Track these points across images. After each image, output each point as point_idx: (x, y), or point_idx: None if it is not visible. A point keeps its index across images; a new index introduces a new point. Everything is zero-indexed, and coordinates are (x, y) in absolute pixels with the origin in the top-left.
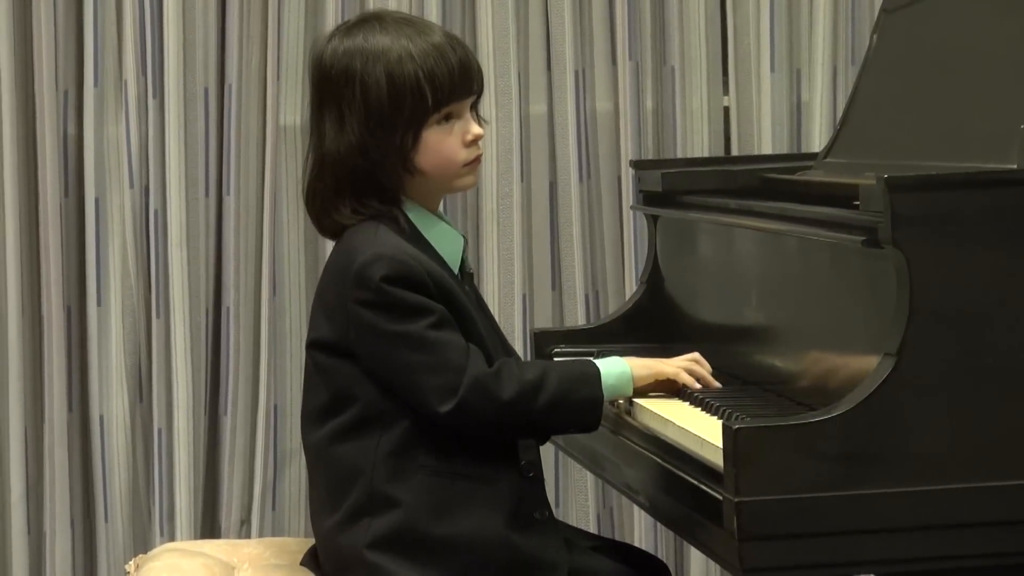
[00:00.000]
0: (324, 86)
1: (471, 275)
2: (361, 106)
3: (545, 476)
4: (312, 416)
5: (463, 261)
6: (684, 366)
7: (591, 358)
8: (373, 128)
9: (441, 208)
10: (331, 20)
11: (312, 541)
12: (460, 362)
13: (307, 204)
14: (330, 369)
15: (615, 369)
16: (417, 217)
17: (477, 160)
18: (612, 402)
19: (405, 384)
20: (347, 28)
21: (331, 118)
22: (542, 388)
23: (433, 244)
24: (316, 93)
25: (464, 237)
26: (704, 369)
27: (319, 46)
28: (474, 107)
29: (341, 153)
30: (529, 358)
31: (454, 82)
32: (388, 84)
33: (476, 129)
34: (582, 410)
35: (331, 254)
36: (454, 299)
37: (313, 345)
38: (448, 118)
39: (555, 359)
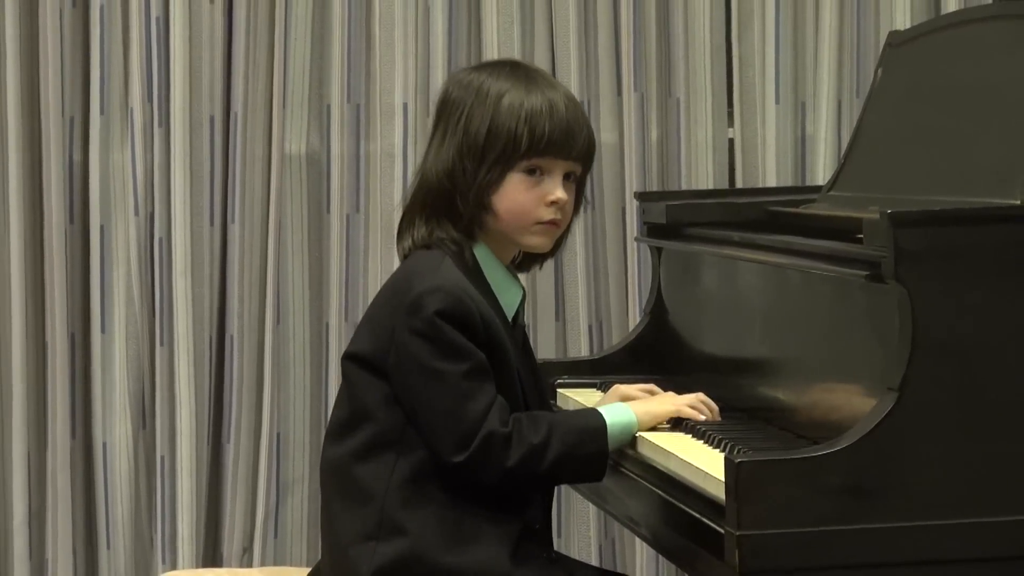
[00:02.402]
0: (440, 109)
1: (523, 327)
2: (462, 132)
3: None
4: (335, 429)
5: (518, 313)
6: (687, 403)
7: (596, 399)
8: (465, 155)
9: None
10: (336, 50)
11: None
12: (480, 417)
13: (401, 219)
14: (358, 384)
15: (621, 420)
16: (484, 258)
17: (552, 224)
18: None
19: (425, 421)
20: (483, 64)
21: (437, 140)
22: (546, 451)
23: (492, 287)
24: (434, 116)
25: (524, 291)
26: (706, 407)
27: (453, 73)
28: (574, 179)
29: (434, 173)
30: None
31: (553, 137)
32: (492, 117)
33: (559, 192)
34: (587, 465)
35: (394, 273)
36: (499, 344)
37: (350, 357)
38: (538, 172)
39: (559, 386)
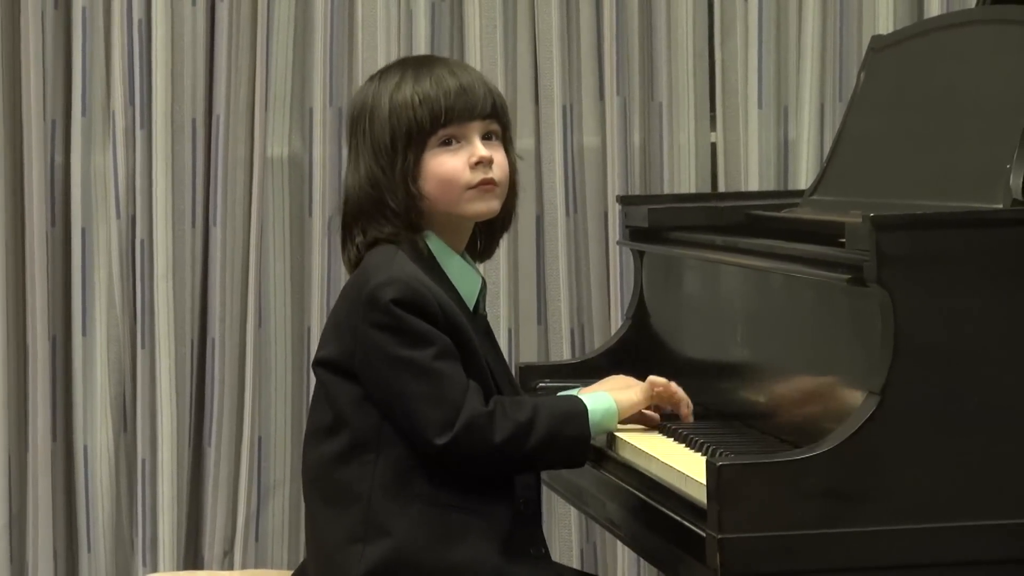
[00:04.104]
0: (348, 126)
1: (485, 317)
2: (369, 139)
3: None
4: (314, 435)
5: (478, 303)
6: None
7: (577, 392)
8: (379, 155)
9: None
10: (319, 53)
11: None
12: (458, 397)
13: (341, 238)
14: (331, 388)
15: (601, 405)
16: (437, 248)
17: (484, 184)
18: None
19: (402, 411)
20: (375, 72)
21: (352, 157)
22: (532, 429)
23: (450, 277)
24: (346, 136)
25: (483, 280)
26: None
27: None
28: (498, 138)
29: (356, 186)
30: None
31: (450, 104)
32: (390, 111)
33: (480, 151)
34: (570, 448)
35: (351, 276)
36: (461, 332)
37: (319, 363)
38: (452, 142)
39: (540, 390)
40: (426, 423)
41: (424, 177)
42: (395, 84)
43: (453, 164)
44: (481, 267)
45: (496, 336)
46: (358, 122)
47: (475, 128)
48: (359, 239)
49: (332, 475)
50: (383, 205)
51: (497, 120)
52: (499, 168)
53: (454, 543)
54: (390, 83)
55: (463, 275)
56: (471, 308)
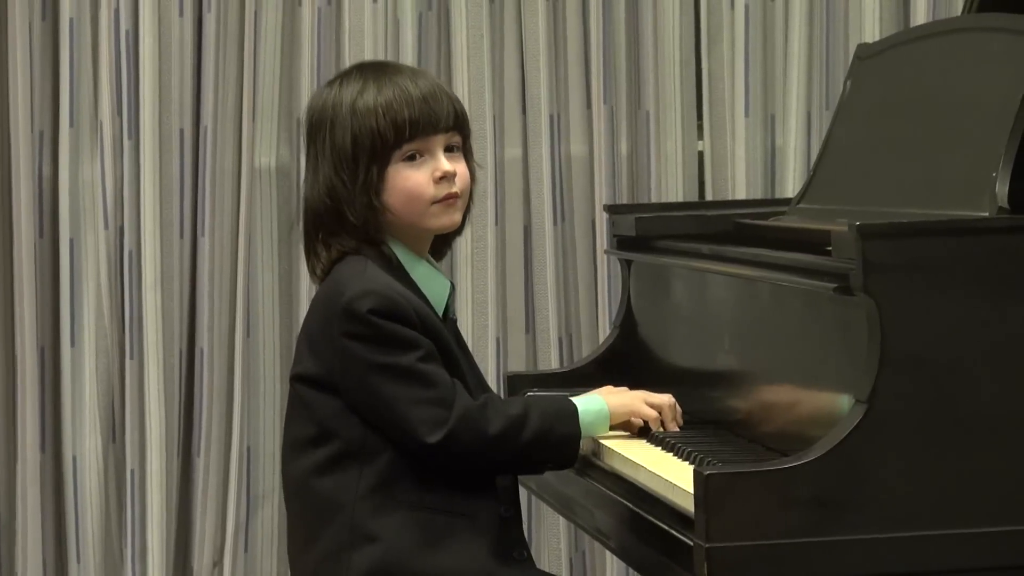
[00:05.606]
0: (307, 134)
1: (454, 321)
2: (329, 148)
3: None
4: (294, 448)
5: (447, 307)
6: (661, 409)
7: (567, 395)
8: (339, 167)
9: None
10: (307, 63)
11: None
12: (448, 395)
13: (304, 249)
14: (314, 402)
15: (593, 407)
16: (404, 256)
17: (449, 198)
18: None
19: (392, 416)
20: (333, 78)
21: (311, 164)
22: (526, 423)
23: (419, 284)
24: (305, 142)
25: (452, 284)
26: (672, 414)
27: (310, 97)
28: (459, 149)
29: (315, 196)
30: None
31: (414, 118)
32: (352, 124)
33: (444, 166)
34: (561, 446)
35: (320, 288)
36: (439, 338)
37: (297, 379)
38: (416, 156)
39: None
40: (418, 423)
41: (387, 191)
42: (357, 92)
43: (417, 179)
44: (468, 274)
45: (484, 345)
46: (317, 130)
47: (439, 141)
48: (323, 253)
49: (316, 486)
50: (341, 217)
51: (459, 131)
52: (462, 180)
53: (441, 546)
54: (351, 89)
55: (431, 281)
56: (441, 313)
